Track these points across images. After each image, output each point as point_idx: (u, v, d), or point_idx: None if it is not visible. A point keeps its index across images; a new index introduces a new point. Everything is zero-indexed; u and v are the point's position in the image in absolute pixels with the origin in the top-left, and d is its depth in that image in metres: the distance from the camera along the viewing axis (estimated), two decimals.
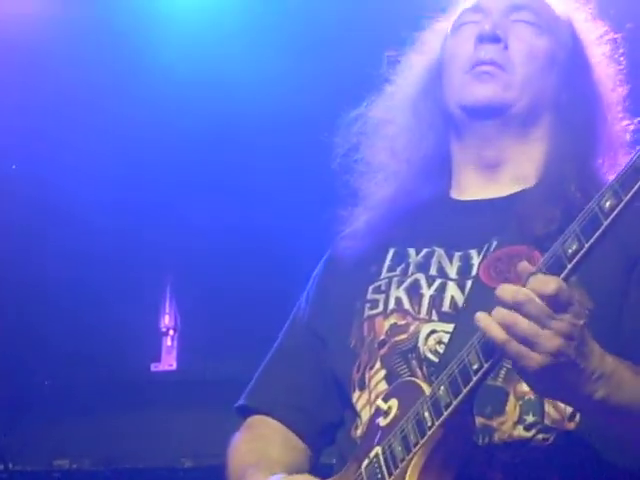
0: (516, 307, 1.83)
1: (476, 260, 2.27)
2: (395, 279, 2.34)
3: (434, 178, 2.44)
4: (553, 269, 1.86)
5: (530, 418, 2.11)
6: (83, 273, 5.11)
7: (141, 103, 4.70)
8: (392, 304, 2.30)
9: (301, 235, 4.65)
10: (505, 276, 2.14)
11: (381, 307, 2.31)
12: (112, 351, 5.25)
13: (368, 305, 2.33)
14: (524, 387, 2.05)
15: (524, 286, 1.84)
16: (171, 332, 5.35)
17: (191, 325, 5.34)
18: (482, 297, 2.11)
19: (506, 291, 1.85)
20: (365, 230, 2.41)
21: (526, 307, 1.82)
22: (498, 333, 1.84)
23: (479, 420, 2.08)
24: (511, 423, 2.12)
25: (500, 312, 1.84)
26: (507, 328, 1.83)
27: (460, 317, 2.18)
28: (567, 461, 2.11)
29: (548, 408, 2.13)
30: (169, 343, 5.36)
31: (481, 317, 1.87)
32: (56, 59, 4.65)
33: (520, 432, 2.12)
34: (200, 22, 4.68)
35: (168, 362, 5.37)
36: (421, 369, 2.20)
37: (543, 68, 2.35)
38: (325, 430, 2.41)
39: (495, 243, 2.26)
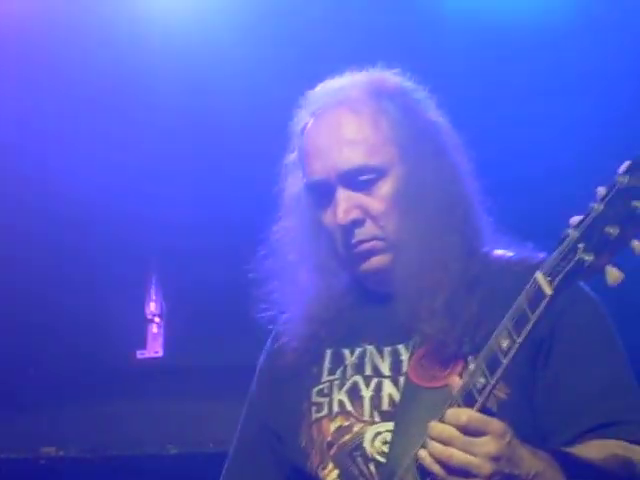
0: (444, 442, 2.08)
1: (405, 356, 2.47)
2: (336, 382, 2.52)
3: (340, 274, 2.56)
4: (468, 401, 2.12)
5: None
6: (68, 261, 5.10)
7: (124, 96, 4.70)
8: (336, 407, 2.48)
9: None
10: (430, 373, 2.39)
11: (326, 410, 2.50)
12: (98, 338, 5.25)
13: (314, 408, 2.52)
14: None
15: (442, 419, 2.11)
16: (157, 319, 5.35)
17: (177, 312, 5.34)
18: (414, 396, 2.38)
19: (434, 430, 2.11)
20: (297, 330, 2.55)
21: (452, 441, 2.08)
22: (439, 471, 2.10)
23: None
24: None
25: (435, 448, 2.10)
26: (444, 464, 2.09)
27: (398, 418, 2.39)
28: None
29: None
30: (155, 330, 5.36)
31: (423, 456, 2.13)
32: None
33: None
34: (178, 8, 4.67)
35: (154, 349, 5.37)
36: (368, 468, 2.40)
37: (402, 202, 2.46)
38: None
39: (418, 339, 2.45)
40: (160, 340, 5.37)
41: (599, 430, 2.32)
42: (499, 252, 2.53)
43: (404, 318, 2.44)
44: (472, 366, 2.14)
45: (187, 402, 5.20)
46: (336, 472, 2.44)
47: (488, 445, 2.07)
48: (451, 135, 2.55)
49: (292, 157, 2.63)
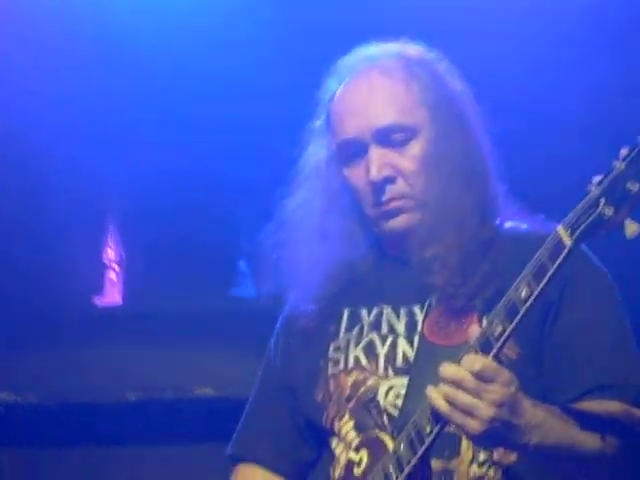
0: (455, 383, 2.21)
1: (420, 316, 2.60)
2: (353, 339, 2.66)
3: (361, 239, 2.69)
4: (484, 348, 2.24)
5: (482, 456, 2.48)
6: (25, 206, 5.07)
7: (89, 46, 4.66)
8: (352, 362, 2.64)
9: (244, 172, 4.69)
10: (446, 331, 2.52)
11: (342, 365, 2.65)
12: (56, 285, 5.23)
13: (331, 363, 2.67)
14: None
15: (459, 362, 2.24)
16: (115, 266, 5.33)
17: (136, 259, 5.32)
18: (429, 354, 2.52)
19: (446, 371, 2.23)
20: (316, 293, 2.69)
21: (462, 384, 2.20)
22: (443, 406, 2.23)
23: (439, 463, 2.46)
24: (467, 463, 2.48)
25: (443, 388, 2.22)
26: (450, 401, 2.21)
27: (412, 373, 2.53)
28: None
29: None
30: (113, 277, 5.34)
31: (430, 392, 2.25)
32: None
33: (475, 470, 2.48)
34: None
35: (112, 296, 5.36)
36: (382, 420, 2.55)
37: (431, 163, 2.58)
38: (303, 469, 2.80)
39: (434, 300, 2.58)
40: (119, 287, 5.35)
41: (600, 391, 2.45)
42: (511, 223, 2.65)
43: (420, 274, 2.56)
44: (491, 315, 2.26)
45: (146, 349, 5.20)
46: (351, 423, 2.59)
47: (495, 392, 2.19)
48: (474, 104, 2.66)
49: (317, 124, 2.72)
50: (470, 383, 2.19)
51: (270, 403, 2.80)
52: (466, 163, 2.58)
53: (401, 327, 2.61)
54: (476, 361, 2.21)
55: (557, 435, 2.30)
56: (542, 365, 2.51)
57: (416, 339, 2.56)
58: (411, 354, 2.56)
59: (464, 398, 2.19)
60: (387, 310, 2.64)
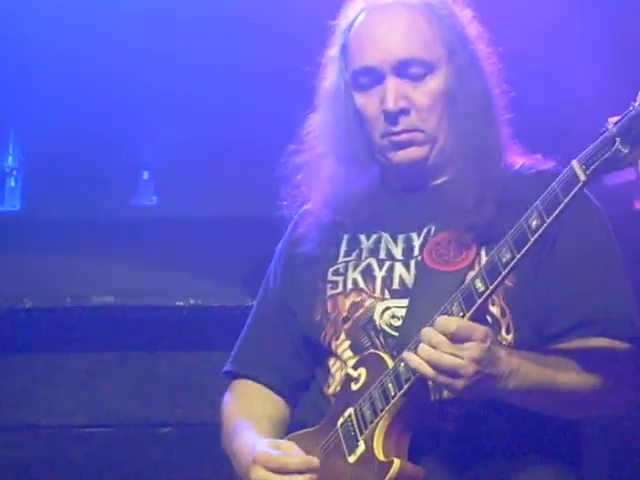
0: (436, 346, 2.30)
1: (417, 242, 2.69)
2: (351, 263, 2.75)
3: (368, 166, 2.77)
4: (491, 274, 2.34)
5: None
6: None
7: None
8: (350, 285, 2.72)
9: (150, 83, 4.64)
10: (444, 258, 2.60)
11: (340, 287, 2.73)
12: None
13: (329, 285, 2.75)
14: None
15: (432, 325, 2.34)
16: (14, 173, 5.26)
17: (37, 166, 5.24)
18: (427, 277, 2.60)
19: (425, 335, 2.32)
20: (318, 219, 2.78)
21: (441, 347, 2.30)
22: (427, 370, 2.32)
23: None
24: None
25: (425, 351, 2.32)
26: (433, 365, 2.31)
27: (412, 296, 2.61)
28: (504, 409, 2.54)
29: None
30: (12, 184, 5.27)
31: (411, 358, 2.35)
32: None
33: None
34: None
35: (11, 203, 5.29)
36: (379, 340, 2.63)
37: (444, 100, 2.67)
38: (298, 386, 2.90)
39: (433, 228, 2.67)
40: (17, 194, 5.28)
41: (587, 325, 2.55)
42: (513, 160, 2.74)
43: (428, 208, 2.66)
44: (501, 242, 2.34)
45: (45, 256, 5.16)
46: (347, 343, 2.68)
47: (473, 350, 2.29)
48: (489, 49, 2.74)
49: (333, 51, 2.77)
50: (447, 344, 2.29)
51: (269, 322, 2.89)
52: (478, 103, 2.65)
53: (398, 252, 2.69)
54: (450, 322, 2.30)
55: (533, 378, 2.39)
56: (536, 295, 2.59)
57: (413, 264, 2.65)
58: (408, 278, 2.64)
59: (446, 360, 2.29)
60: (385, 236, 2.73)
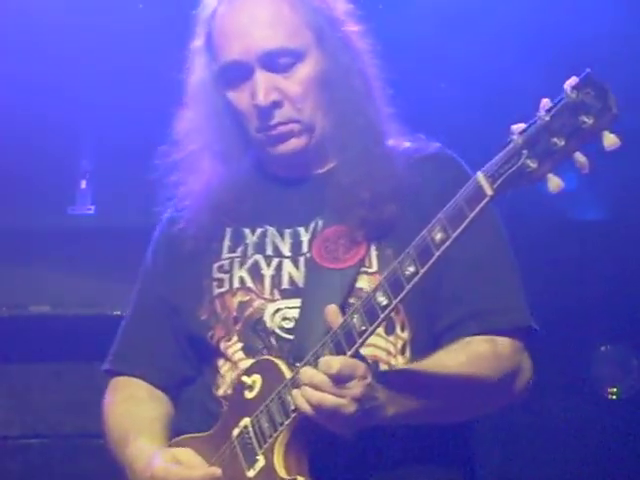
0: (317, 387, 2.23)
1: (304, 237, 2.59)
2: (237, 260, 2.62)
3: (246, 158, 2.67)
4: (394, 288, 2.22)
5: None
6: None
7: None
8: (236, 283, 2.60)
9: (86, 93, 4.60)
10: (334, 255, 2.52)
11: (227, 286, 2.61)
12: None
13: (215, 284, 2.62)
14: (365, 344, 2.31)
15: (316, 366, 2.26)
16: None
17: None
18: (317, 276, 2.51)
19: (306, 376, 2.26)
20: (196, 214, 2.66)
21: (323, 387, 2.23)
22: (309, 411, 2.26)
23: None
24: None
25: (307, 393, 2.25)
26: (315, 406, 2.24)
27: (303, 297, 2.52)
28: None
29: (383, 368, 2.47)
30: None
31: (296, 397, 2.28)
32: None
33: None
34: None
35: None
36: (270, 342, 2.54)
37: (317, 87, 2.55)
38: (182, 383, 2.75)
39: (320, 222, 2.57)
40: None
41: (472, 319, 2.48)
42: (395, 141, 2.64)
43: (310, 192, 2.57)
44: (403, 254, 2.23)
45: None
46: (240, 345, 2.56)
47: (355, 389, 2.23)
48: (360, 26, 2.63)
49: (198, 43, 2.64)
50: (330, 386, 2.22)
51: (150, 318, 2.76)
52: (352, 84, 2.56)
53: (285, 249, 2.60)
54: (332, 362, 2.23)
55: (412, 400, 2.35)
56: (428, 290, 2.47)
57: (302, 261, 2.57)
58: (297, 276, 2.56)
59: (327, 401, 2.23)
60: (271, 231, 2.63)
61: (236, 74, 2.56)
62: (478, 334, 2.47)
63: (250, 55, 2.52)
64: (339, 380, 2.22)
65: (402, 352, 2.50)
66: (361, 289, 2.48)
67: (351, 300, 2.46)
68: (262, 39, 2.52)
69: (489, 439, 5.50)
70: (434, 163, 2.59)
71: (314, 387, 2.24)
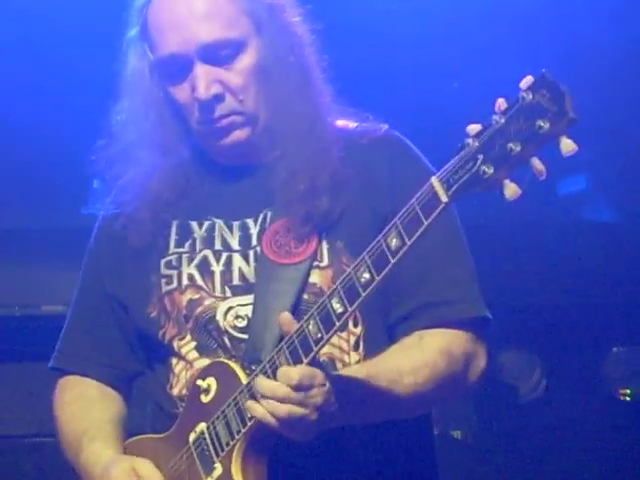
0: (281, 400, 2.19)
1: (254, 230, 2.51)
2: (185, 256, 2.54)
3: (187, 149, 2.57)
4: (350, 295, 2.16)
5: None
6: None
7: None
8: (186, 280, 2.52)
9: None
10: (285, 249, 2.45)
11: (175, 283, 2.53)
12: None
13: (164, 280, 2.54)
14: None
15: (274, 376, 2.22)
16: None
17: None
18: (268, 271, 2.45)
19: (268, 389, 2.21)
20: (137, 202, 2.55)
21: (285, 399, 2.18)
22: (272, 422, 2.21)
23: None
24: None
25: (271, 406, 2.20)
26: (280, 418, 2.19)
27: (255, 293, 2.45)
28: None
29: (339, 366, 2.43)
30: None
31: (255, 408, 2.22)
32: None
33: None
34: None
35: None
36: (224, 341, 2.47)
37: (259, 76, 2.47)
38: (133, 378, 2.69)
39: (269, 214, 2.50)
40: None
41: (423, 310, 2.45)
42: (343, 122, 2.58)
43: (262, 192, 2.50)
44: (358, 260, 2.17)
45: None
46: (193, 344, 2.51)
47: (316, 397, 2.20)
48: (296, 8, 2.56)
49: (133, 33, 2.56)
50: (292, 397, 2.19)
51: (96, 314, 2.67)
52: (296, 70, 2.49)
53: (234, 242, 2.53)
54: (292, 373, 2.19)
55: (367, 403, 2.32)
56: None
57: (252, 255, 2.50)
58: (248, 271, 2.49)
59: (290, 412, 2.19)
60: (219, 223, 2.55)
61: (175, 67, 2.47)
62: (431, 326, 2.44)
63: (188, 48, 2.44)
64: (300, 389, 2.19)
65: (355, 348, 2.47)
66: (314, 284, 2.44)
67: (305, 296, 2.42)
68: (200, 31, 2.43)
69: (501, 440, 5.49)
70: (381, 146, 2.52)
71: (278, 400, 2.20)
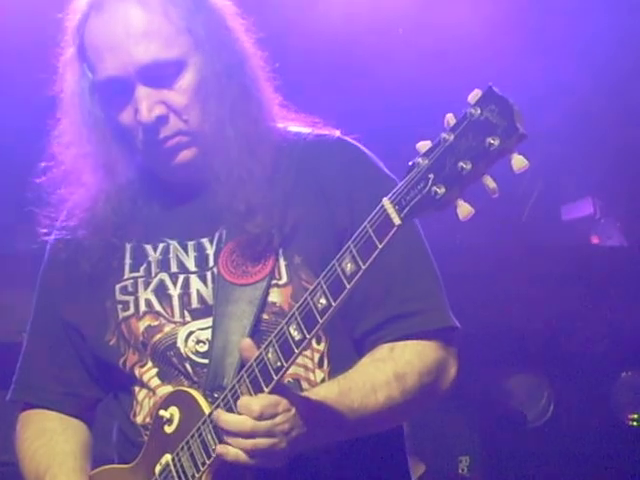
0: (246, 435, 2.13)
1: (210, 250, 2.44)
2: (141, 280, 2.47)
3: (131, 169, 2.48)
4: (307, 321, 2.11)
5: None
6: None
7: None
8: (143, 306, 2.45)
9: None
10: (242, 269, 2.38)
11: (132, 309, 2.45)
12: None
13: (120, 307, 2.46)
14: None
15: (235, 407, 2.17)
16: None
17: None
18: (227, 293, 2.38)
19: (231, 425, 2.15)
20: (86, 227, 2.47)
21: (254, 433, 2.13)
22: (243, 458, 2.16)
23: None
24: None
25: (240, 442, 2.14)
26: (250, 453, 2.15)
27: (214, 317, 2.38)
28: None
29: (305, 385, 2.37)
30: None
31: (227, 451, 2.16)
32: None
33: None
34: None
35: None
36: (185, 368, 2.40)
37: (202, 92, 2.39)
38: (94, 405, 2.62)
39: (224, 232, 2.42)
40: None
41: (385, 327, 2.39)
42: (294, 129, 2.51)
43: (216, 210, 2.41)
44: (313, 286, 2.12)
45: (4, 290, 5.13)
46: (155, 370, 2.44)
47: (283, 424, 2.15)
48: (236, 18, 2.48)
49: (70, 53, 2.47)
50: (258, 429, 2.14)
51: (52, 343, 2.59)
52: (239, 84, 2.42)
53: (191, 263, 2.45)
54: (252, 404, 2.14)
55: (338, 423, 2.27)
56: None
57: (209, 276, 2.43)
58: (206, 292, 2.42)
59: (257, 444, 2.14)
60: (174, 245, 2.47)
61: (116, 90, 2.40)
62: (399, 339, 2.38)
63: (128, 71, 2.36)
64: (265, 418, 2.13)
65: (320, 365, 2.40)
66: (274, 303, 2.37)
67: (264, 316, 2.36)
68: (138, 53, 2.35)
69: (509, 462, 5.47)
70: (335, 152, 2.45)
71: (244, 435, 2.14)
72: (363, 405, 2.27)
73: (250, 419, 2.13)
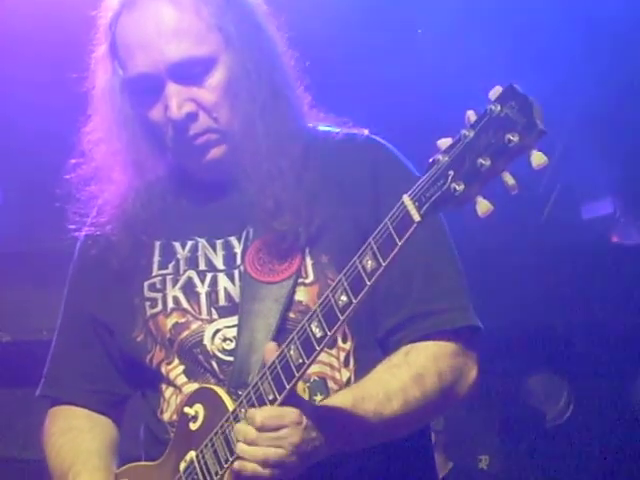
0: (249, 443, 2.16)
1: (238, 248, 2.45)
2: (169, 277, 2.47)
3: (162, 167, 2.49)
4: (328, 318, 2.11)
5: (319, 397, 2.35)
6: None
7: None
8: (171, 303, 2.45)
9: None
10: (269, 267, 2.39)
11: (160, 306, 2.46)
12: None
13: (148, 304, 2.47)
14: (308, 370, 2.20)
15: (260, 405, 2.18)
16: None
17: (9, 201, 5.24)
18: (253, 290, 2.39)
19: (241, 434, 2.17)
20: (116, 224, 2.48)
21: (259, 442, 2.15)
22: (258, 470, 2.16)
23: None
24: None
25: (250, 452, 2.16)
26: (262, 463, 2.15)
27: (240, 314, 2.39)
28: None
29: (330, 384, 2.36)
30: None
31: (246, 467, 2.17)
32: None
33: None
34: None
35: None
36: (212, 365, 2.41)
37: (232, 90, 2.40)
38: (123, 402, 2.63)
39: (252, 230, 2.43)
40: None
41: (408, 325, 2.38)
42: (323, 128, 2.51)
43: (244, 208, 2.42)
44: (335, 282, 2.12)
45: (20, 289, 5.16)
46: (181, 368, 2.45)
47: (292, 436, 2.16)
48: (269, 17, 2.50)
49: (101, 51, 2.49)
50: (261, 439, 2.16)
51: (82, 340, 2.60)
52: (270, 83, 2.43)
53: (219, 262, 2.47)
54: (256, 416, 2.16)
55: (355, 431, 2.28)
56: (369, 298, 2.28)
57: (237, 274, 2.44)
58: (234, 291, 2.43)
59: (265, 454, 2.16)
60: (202, 243, 2.49)
61: (146, 87, 2.41)
62: (419, 338, 2.37)
63: (158, 68, 2.38)
64: (268, 429, 2.15)
65: (346, 364, 2.40)
66: (300, 302, 2.37)
67: (291, 314, 2.36)
68: (169, 50, 2.37)
69: (528, 461, 5.46)
70: (363, 152, 2.46)
71: (248, 443, 2.17)
72: (378, 414, 2.26)
73: (253, 429, 2.15)
